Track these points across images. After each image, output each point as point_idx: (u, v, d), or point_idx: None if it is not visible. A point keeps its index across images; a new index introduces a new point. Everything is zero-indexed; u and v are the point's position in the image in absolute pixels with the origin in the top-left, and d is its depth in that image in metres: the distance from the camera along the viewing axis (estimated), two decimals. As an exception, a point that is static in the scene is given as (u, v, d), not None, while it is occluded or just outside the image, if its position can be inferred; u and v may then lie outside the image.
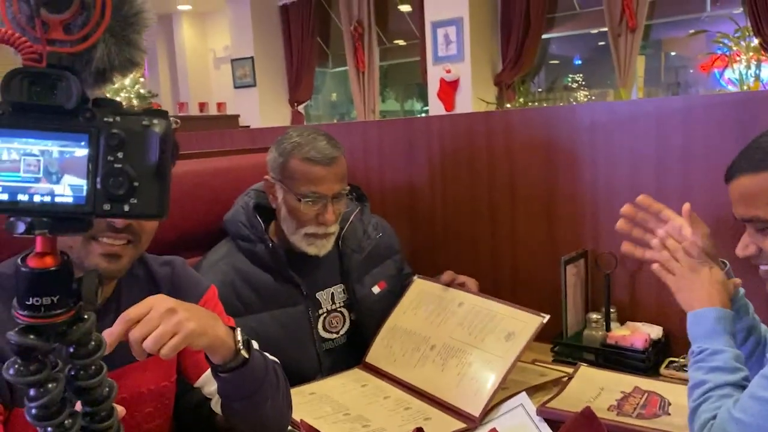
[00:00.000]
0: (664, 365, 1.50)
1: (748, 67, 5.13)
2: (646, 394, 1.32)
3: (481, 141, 1.83)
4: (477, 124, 1.84)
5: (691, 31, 5.79)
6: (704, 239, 1.16)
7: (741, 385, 0.99)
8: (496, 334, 1.38)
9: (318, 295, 1.55)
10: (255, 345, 1.05)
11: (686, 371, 1.41)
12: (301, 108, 8.12)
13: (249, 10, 7.83)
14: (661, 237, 1.19)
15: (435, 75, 6.18)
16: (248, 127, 7.58)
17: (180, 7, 8.90)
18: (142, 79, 6.73)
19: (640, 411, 1.25)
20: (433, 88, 6.23)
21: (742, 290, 1.19)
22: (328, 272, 1.58)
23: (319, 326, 1.55)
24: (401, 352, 1.50)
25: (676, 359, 1.51)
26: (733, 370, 1.01)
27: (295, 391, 1.37)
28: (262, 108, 8.00)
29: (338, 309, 1.58)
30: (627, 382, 1.39)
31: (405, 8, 7.28)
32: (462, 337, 1.42)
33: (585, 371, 1.46)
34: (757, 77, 5.14)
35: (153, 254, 1.19)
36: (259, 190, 1.57)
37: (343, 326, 1.59)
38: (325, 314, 1.56)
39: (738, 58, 5.17)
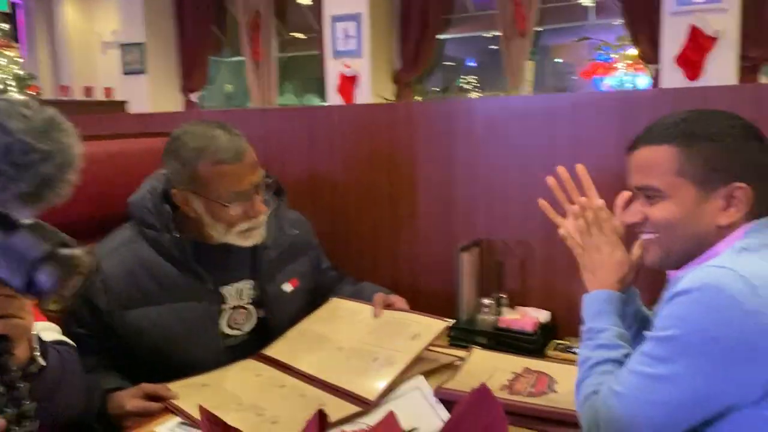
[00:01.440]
0: (551, 347, 1.59)
1: (626, 74, 5.52)
2: (535, 374, 1.39)
3: (383, 131, 1.86)
4: (379, 116, 1.87)
5: (576, 38, 6.14)
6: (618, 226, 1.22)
7: (622, 362, 1.05)
8: (403, 336, 1.41)
9: (224, 289, 1.50)
10: (55, 336, 1.06)
11: (570, 352, 1.51)
12: (194, 97, 7.85)
13: (139, -6, 7.47)
14: (581, 204, 1.22)
15: (334, 70, 6.18)
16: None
17: (62, -14, 8.35)
18: (21, 60, 6.23)
19: (530, 390, 1.32)
20: (331, 82, 6.23)
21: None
22: (238, 267, 1.52)
23: (223, 321, 1.49)
24: (304, 349, 1.48)
25: (562, 341, 1.61)
26: (615, 347, 1.08)
27: (186, 383, 1.34)
28: (153, 96, 7.65)
29: (245, 305, 1.53)
30: (517, 363, 1.45)
31: (304, 0, 7.23)
32: (371, 341, 1.44)
33: (479, 354, 1.51)
34: (634, 86, 5.54)
35: None
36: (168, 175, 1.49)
37: (247, 323, 1.54)
38: (230, 310, 1.50)
39: (616, 65, 5.55)
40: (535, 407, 1.24)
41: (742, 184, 1.01)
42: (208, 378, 1.39)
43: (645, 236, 1.10)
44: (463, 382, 1.34)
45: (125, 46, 7.71)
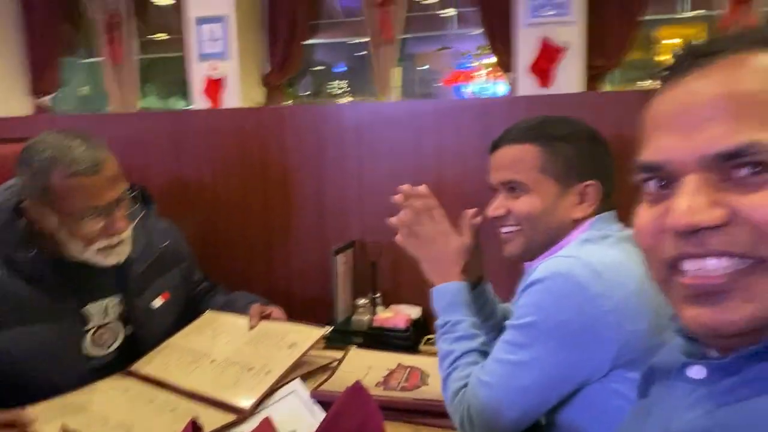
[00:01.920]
0: (423, 342, 1.66)
1: (486, 82, 5.83)
2: (408, 369, 1.45)
3: (253, 136, 1.84)
4: (248, 120, 1.84)
5: (439, 47, 6.40)
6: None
7: (481, 350, 1.12)
8: (280, 346, 1.41)
9: (88, 307, 1.40)
10: None
11: (441, 345, 1.58)
12: (46, 100, 7.29)
13: (-23, -14, 6.82)
14: (406, 193, 1.26)
15: (200, 72, 5.99)
16: (-21, 120, 6.60)
17: None
18: None
19: (403, 384, 1.37)
20: (198, 85, 6.04)
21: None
22: (102, 282, 1.42)
23: (87, 341, 1.39)
24: (175, 364, 1.42)
25: (432, 336, 1.67)
26: (473, 337, 1.14)
27: (47, 405, 1.25)
28: (-5, 98, 7.01)
29: (111, 323, 1.44)
30: (391, 359, 1.50)
31: (165, 1, 6.94)
32: (247, 352, 1.41)
33: (354, 354, 1.54)
34: (494, 93, 5.86)
35: None
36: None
37: (115, 341, 1.44)
38: (95, 328, 1.41)
39: (477, 74, 5.85)
40: (407, 401, 1.28)
41: (594, 182, 1.12)
42: (72, 398, 1.30)
43: (505, 230, 1.18)
44: (340, 382, 1.36)
45: (-38, 44, 7.00)
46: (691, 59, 0.57)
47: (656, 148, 0.57)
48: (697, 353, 0.61)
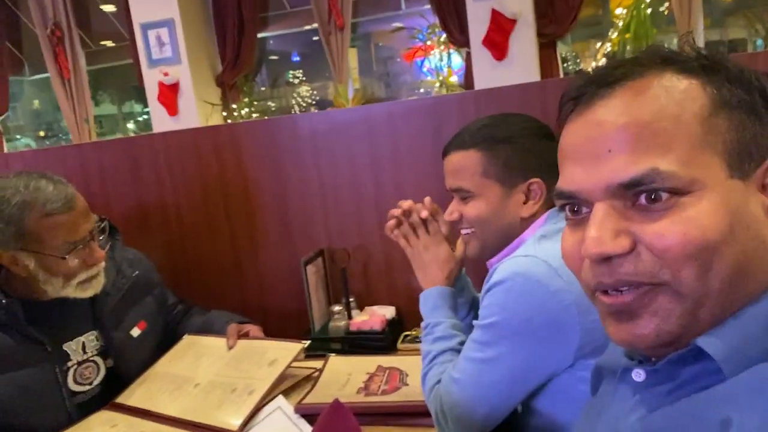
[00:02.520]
0: (400, 340, 1.69)
1: (441, 58, 5.84)
2: (387, 371, 1.48)
3: (210, 155, 1.84)
4: (204, 139, 1.84)
5: (394, 25, 6.37)
6: (443, 225, 1.33)
7: (458, 350, 1.16)
8: (260, 364, 1.43)
9: (66, 346, 1.41)
10: None
11: (418, 341, 1.62)
12: (-3, 122, 7.12)
13: None
14: (404, 209, 1.33)
15: (152, 78, 5.89)
16: (-70, 149, 6.43)
17: None
18: None
19: (383, 387, 1.40)
20: (152, 92, 5.94)
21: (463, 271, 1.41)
22: (77, 319, 1.44)
23: (69, 380, 1.41)
24: (159, 392, 1.44)
25: (409, 332, 1.71)
26: (450, 338, 1.19)
27: None
28: (-54, 125, 6.83)
29: (91, 358, 1.45)
30: (370, 363, 1.53)
31: (108, 8, 6.78)
32: (228, 373, 1.44)
33: (333, 361, 1.57)
34: (449, 66, 5.87)
35: None
36: None
37: (97, 376, 1.46)
38: (75, 366, 1.42)
39: (432, 51, 5.85)
40: (387, 405, 1.32)
41: (537, 179, 1.15)
42: None
43: (464, 232, 1.22)
44: (322, 393, 1.39)
45: None
46: (593, 88, 0.59)
47: (568, 178, 0.61)
48: (636, 356, 0.66)
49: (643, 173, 0.54)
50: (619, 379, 0.67)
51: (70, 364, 1.42)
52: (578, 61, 6.05)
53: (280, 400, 1.36)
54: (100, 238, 1.43)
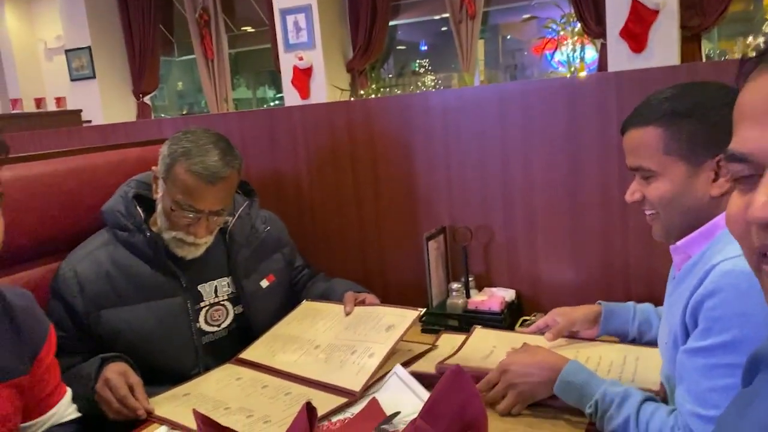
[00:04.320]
0: (518, 324, 1.68)
1: (574, 50, 5.65)
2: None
3: (342, 129, 1.90)
4: (337, 113, 1.91)
5: (525, 16, 6.25)
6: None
7: (647, 397, 1.07)
8: (378, 328, 1.46)
9: (200, 287, 1.55)
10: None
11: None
12: (147, 99, 7.74)
13: (82, -3, 7.30)
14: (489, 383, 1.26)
15: (288, 62, 6.16)
16: (90, 122, 7.11)
17: (0, -7, 8.08)
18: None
19: None
20: (286, 75, 6.22)
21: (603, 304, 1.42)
22: (213, 265, 1.57)
23: (201, 319, 1.54)
24: (282, 351, 1.51)
25: (528, 318, 1.69)
26: (627, 393, 1.08)
27: (168, 395, 1.38)
28: (104, 101, 7.52)
29: (221, 302, 1.58)
30: (517, 339, 1.47)
31: (251, -6, 7.16)
32: (347, 336, 1.48)
33: (479, 332, 1.55)
34: (582, 59, 5.67)
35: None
36: (141, 181, 1.54)
37: (225, 319, 1.59)
38: (207, 307, 1.55)
39: (565, 42, 5.67)
40: None
41: None
42: (188, 388, 1.42)
43: (647, 212, 1.13)
44: (462, 359, 1.39)
45: (71, 52, 7.54)
46: None
47: (742, 139, 0.56)
48: None
49: None
50: None
51: (202, 304, 1.54)
52: (724, 58, 5.63)
53: (397, 368, 1.38)
54: (219, 222, 1.51)
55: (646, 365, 1.31)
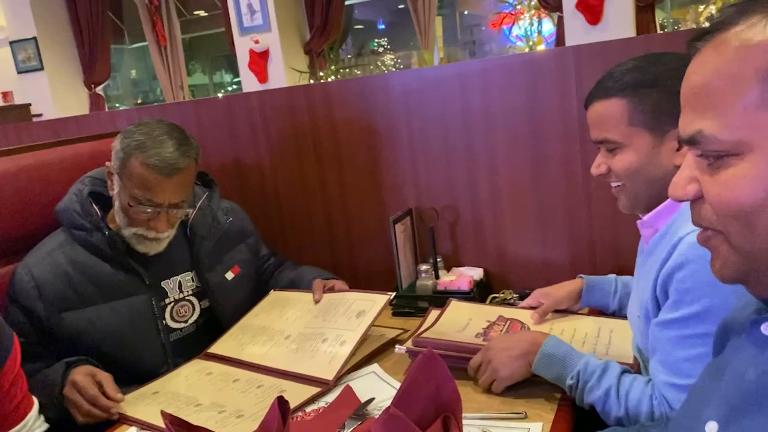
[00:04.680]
0: (488, 301, 1.68)
1: (531, 23, 5.65)
2: (509, 321, 1.44)
3: (303, 114, 1.87)
4: (297, 98, 1.87)
5: (480, -9, 6.23)
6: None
7: (625, 369, 1.09)
8: (348, 315, 1.45)
9: (164, 283, 1.51)
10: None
11: (507, 304, 1.60)
12: (99, 89, 7.52)
13: (24, -15, 7.01)
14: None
15: (243, 46, 6.04)
16: (41, 115, 6.87)
17: (-65, -17, 7.71)
18: None
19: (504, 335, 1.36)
20: (242, 59, 6.09)
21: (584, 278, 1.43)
22: (175, 260, 1.54)
23: (167, 316, 1.51)
24: (251, 343, 1.49)
25: (497, 295, 1.70)
26: (606, 365, 1.09)
27: (136, 394, 1.35)
28: (54, 93, 7.27)
29: (186, 297, 1.55)
30: (492, 312, 1.50)
31: (202, -23, 6.98)
32: (318, 325, 1.47)
33: (455, 305, 1.53)
34: (540, 32, 5.68)
35: None
36: (95, 177, 1.49)
37: (192, 315, 1.56)
38: (172, 303, 1.52)
39: (522, 16, 5.67)
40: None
41: None
42: (157, 385, 1.40)
43: (613, 185, 1.13)
44: (439, 332, 1.38)
45: (15, 43, 7.26)
46: (697, 39, 0.60)
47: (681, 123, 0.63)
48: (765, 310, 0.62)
49: (692, 134, 0.58)
50: (746, 335, 0.64)
51: (167, 301, 1.51)
52: (677, 27, 5.71)
53: (375, 366, 1.37)
54: (179, 215, 1.47)
55: (620, 337, 1.32)
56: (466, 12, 7.18)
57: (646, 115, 1.05)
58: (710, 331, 0.89)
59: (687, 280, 0.96)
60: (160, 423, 1.18)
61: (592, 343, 1.32)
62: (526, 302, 1.50)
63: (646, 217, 1.09)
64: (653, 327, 1.03)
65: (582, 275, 1.48)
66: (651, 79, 1.05)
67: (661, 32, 4.41)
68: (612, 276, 1.47)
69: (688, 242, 0.96)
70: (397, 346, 1.37)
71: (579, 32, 4.83)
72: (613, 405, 1.06)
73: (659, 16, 5.20)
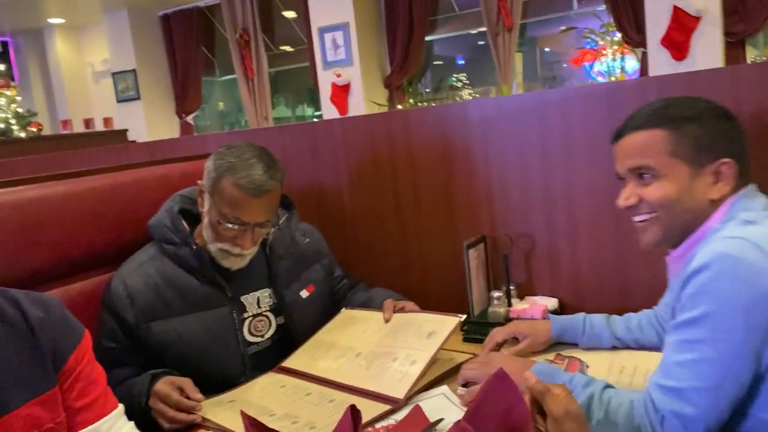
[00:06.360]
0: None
1: (614, 59, 5.58)
2: (567, 359, 1.42)
3: (381, 141, 1.92)
4: (377, 125, 1.93)
5: (562, 27, 6.21)
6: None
7: (609, 385, 1.10)
8: (419, 335, 1.46)
9: (243, 298, 1.57)
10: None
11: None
12: (189, 119, 7.94)
13: (127, 22, 7.57)
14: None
15: (326, 80, 6.25)
16: (135, 141, 7.32)
17: (51, 21, 8.42)
18: (19, 98, 6.31)
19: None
20: (325, 92, 6.30)
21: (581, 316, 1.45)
22: (255, 277, 1.60)
23: (245, 329, 1.56)
24: (323, 358, 1.52)
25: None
26: (598, 380, 1.11)
27: (214, 401, 1.40)
28: (149, 121, 7.75)
29: (264, 313, 1.60)
30: (550, 351, 1.48)
31: (290, 14, 7.31)
32: (388, 343, 1.49)
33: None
34: (623, 68, 5.60)
35: (25, 289, 1.07)
36: (185, 196, 1.58)
37: (268, 330, 1.61)
38: (250, 318, 1.58)
39: (604, 52, 5.61)
40: None
41: (728, 159, 1.08)
42: (234, 395, 1.45)
43: (640, 218, 1.15)
44: None
45: (117, 74, 7.80)
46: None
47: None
48: None
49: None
50: None
51: (246, 315, 1.57)
52: (771, 64, 5.48)
53: (444, 389, 1.37)
54: (263, 233, 1.53)
55: None
56: (546, 48, 7.16)
57: (686, 147, 1.08)
58: (703, 337, 0.96)
59: (691, 288, 0.99)
60: (236, 428, 1.23)
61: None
62: (504, 332, 1.51)
63: (677, 252, 1.12)
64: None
65: (550, 316, 1.51)
66: (692, 115, 1.10)
67: (750, 63, 4.26)
68: (581, 314, 1.48)
69: (711, 249, 0.99)
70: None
71: (664, 68, 4.73)
72: (594, 409, 1.06)
73: (751, 53, 5.02)
